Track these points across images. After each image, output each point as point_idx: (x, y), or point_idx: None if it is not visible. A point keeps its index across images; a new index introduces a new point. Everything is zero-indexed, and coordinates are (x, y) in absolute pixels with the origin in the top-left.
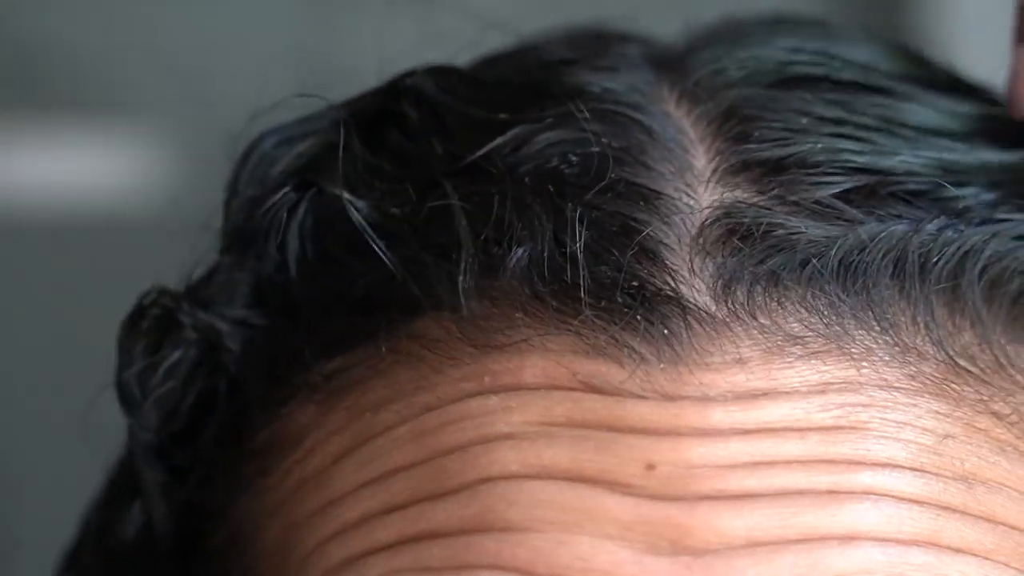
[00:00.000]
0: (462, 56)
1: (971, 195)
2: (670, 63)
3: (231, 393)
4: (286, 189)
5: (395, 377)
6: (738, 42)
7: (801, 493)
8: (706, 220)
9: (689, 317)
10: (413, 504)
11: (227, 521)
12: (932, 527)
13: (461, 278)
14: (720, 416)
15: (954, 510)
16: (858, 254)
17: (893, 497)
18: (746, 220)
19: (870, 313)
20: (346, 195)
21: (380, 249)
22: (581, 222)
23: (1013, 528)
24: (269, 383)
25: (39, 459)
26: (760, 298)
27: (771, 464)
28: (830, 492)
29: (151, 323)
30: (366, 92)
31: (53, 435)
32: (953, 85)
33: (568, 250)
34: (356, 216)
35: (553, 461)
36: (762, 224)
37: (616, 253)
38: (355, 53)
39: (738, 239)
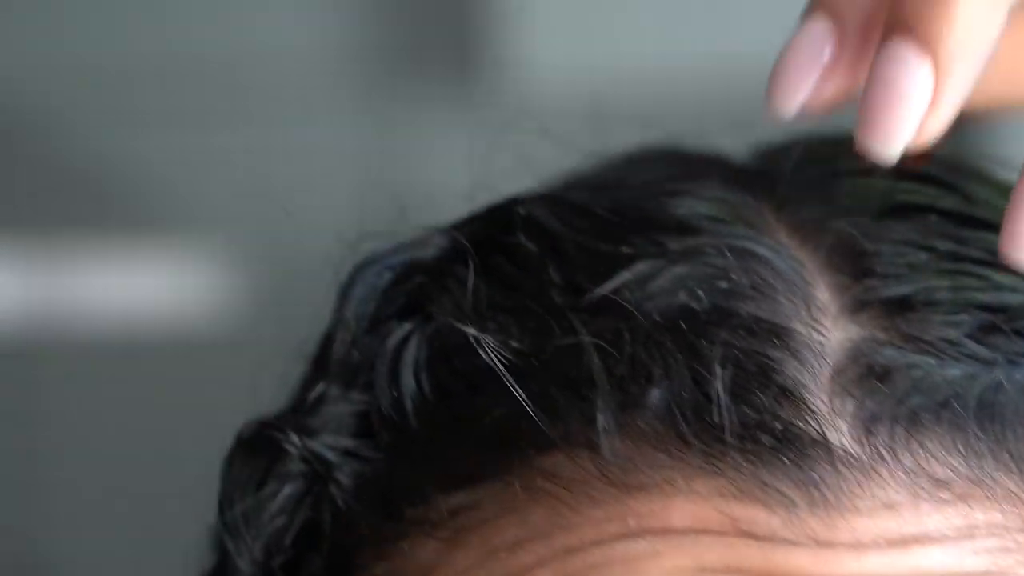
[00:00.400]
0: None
1: None
2: (761, 186)
3: (339, 526)
4: (400, 320)
5: (529, 515)
6: (826, 164)
7: None
8: (841, 359)
9: (836, 460)
10: None
11: None
12: None
13: (600, 416)
14: (875, 563)
15: None
16: (995, 394)
17: None
18: (880, 360)
19: (1007, 455)
20: (473, 331)
21: (511, 383)
22: (720, 361)
23: None
24: (384, 517)
25: None
26: (902, 439)
27: None
28: None
29: (255, 453)
30: (470, 218)
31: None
32: None
33: (710, 391)
34: (486, 351)
35: None
36: (898, 364)
37: (758, 393)
38: (419, 172)
39: (875, 379)
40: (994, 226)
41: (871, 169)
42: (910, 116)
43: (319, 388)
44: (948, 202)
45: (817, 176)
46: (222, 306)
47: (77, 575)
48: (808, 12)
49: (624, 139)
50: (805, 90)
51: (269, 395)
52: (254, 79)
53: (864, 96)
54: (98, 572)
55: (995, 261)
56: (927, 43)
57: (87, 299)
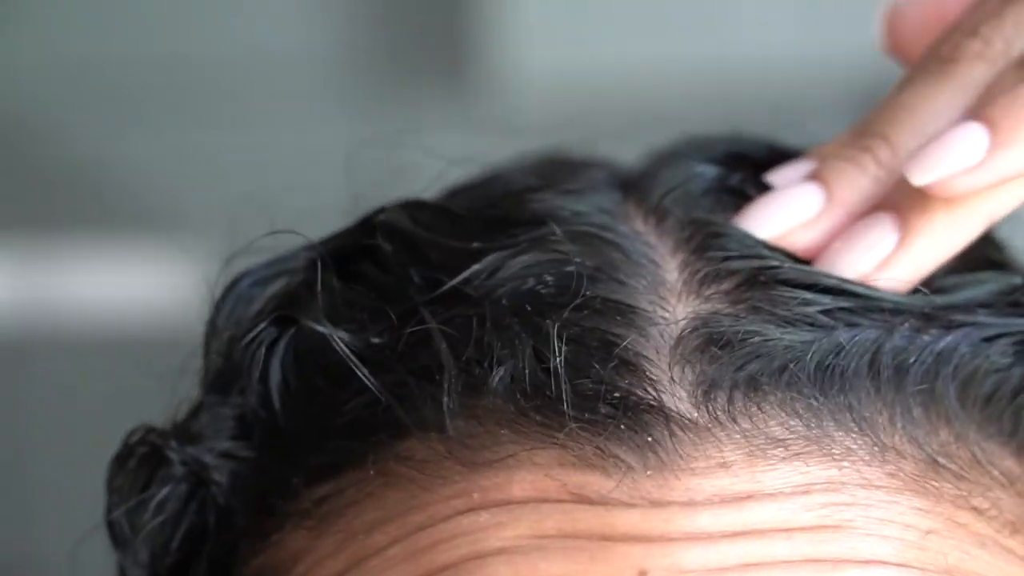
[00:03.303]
0: (429, 191)
1: (940, 302)
2: (634, 183)
3: (220, 525)
4: (265, 325)
5: (385, 499)
6: (697, 159)
7: None
8: (683, 331)
9: (672, 424)
10: None
11: None
12: None
13: (446, 399)
14: (708, 520)
15: None
16: (834, 357)
17: None
18: (722, 329)
19: (848, 415)
20: (327, 326)
21: (364, 375)
22: (560, 338)
23: None
24: (259, 512)
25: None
26: (740, 403)
27: (759, 566)
28: None
29: (139, 461)
30: (339, 230)
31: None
32: None
33: (549, 366)
34: (339, 345)
35: (547, 573)
36: (739, 332)
37: (597, 366)
38: (411, 172)
39: (716, 347)
40: None
41: (737, 159)
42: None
43: (198, 396)
44: None
45: (684, 168)
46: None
47: (64, 571)
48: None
49: (611, 139)
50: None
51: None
52: (245, 81)
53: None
54: (86, 567)
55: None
56: (905, 223)
57: (78, 296)
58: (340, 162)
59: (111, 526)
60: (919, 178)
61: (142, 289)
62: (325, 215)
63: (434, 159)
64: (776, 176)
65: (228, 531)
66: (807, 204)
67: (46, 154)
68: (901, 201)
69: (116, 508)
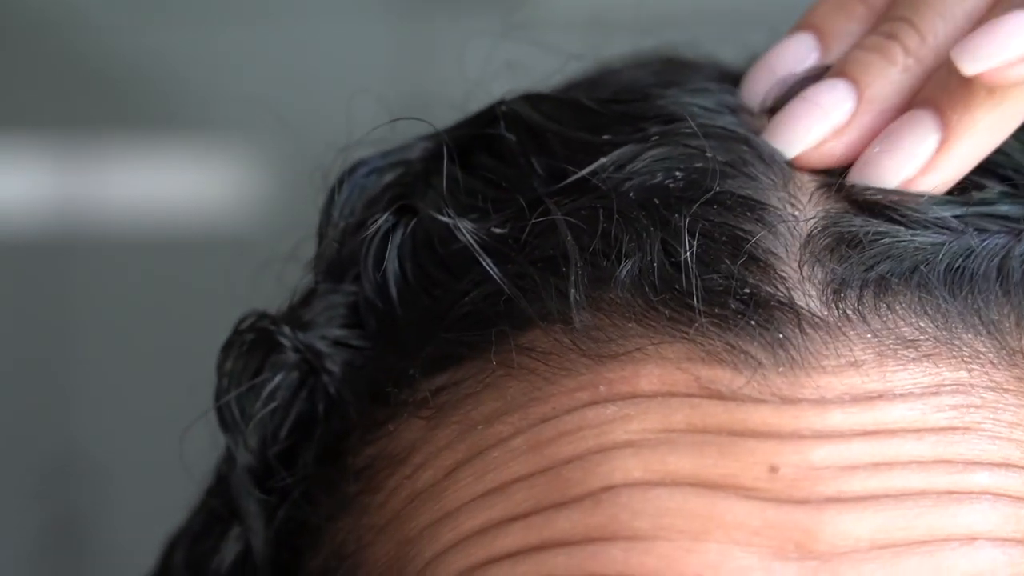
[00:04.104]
0: (543, 85)
1: None
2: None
3: (331, 414)
4: (384, 214)
5: (507, 390)
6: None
7: (923, 494)
8: (813, 229)
9: (802, 322)
10: (535, 513)
11: (330, 541)
12: None
13: (572, 290)
14: (839, 418)
15: None
16: (964, 260)
17: (1010, 497)
18: (853, 228)
19: (977, 317)
20: (450, 215)
21: (488, 264)
22: (690, 232)
23: None
24: (372, 402)
25: (133, 480)
26: (870, 302)
27: (891, 465)
28: (949, 493)
29: (251, 346)
30: (460, 121)
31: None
32: None
33: (679, 260)
34: (463, 234)
35: (676, 467)
36: (869, 232)
37: (727, 261)
38: (446, 80)
39: (846, 246)
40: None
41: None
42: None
43: (311, 283)
44: None
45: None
46: (246, 203)
47: (115, 467)
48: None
49: (626, 50)
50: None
51: (291, 291)
52: None
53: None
54: (135, 464)
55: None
56: (946, 123)
57: (118, 194)
58: (371, 59)
59: (220, 411)
60: (971, 66)
61: (182, 187)
62: (367, 123)
63: (470, 74)
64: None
65: (339, 420)
66: (838, 107)
67: (77, 53)
68: (937, 95)
69: (225, 393)
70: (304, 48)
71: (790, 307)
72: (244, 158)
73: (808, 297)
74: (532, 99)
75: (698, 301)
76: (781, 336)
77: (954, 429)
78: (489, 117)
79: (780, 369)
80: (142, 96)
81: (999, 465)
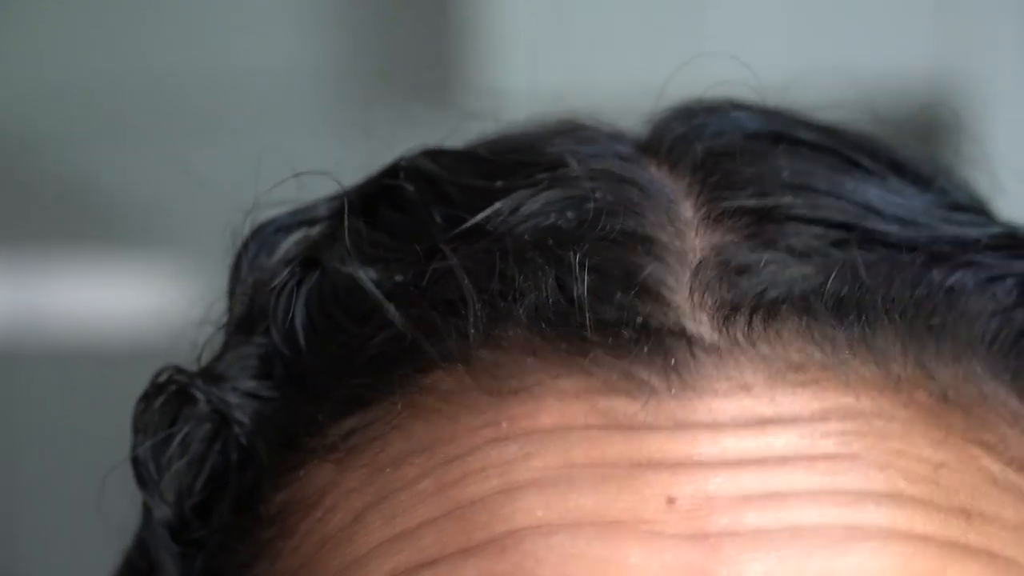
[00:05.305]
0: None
1: (948, 240)
2: (643, 138)
3: (244, 464)
4: (290, 268)
5: (413, 431)
6: (703, 115)
7: (815, 531)
8: (702, 259)
9: (694, 347)
10: (443, 559)
11: None
12: (938, 565)
13: (471, 330)
14: (732, 442)
15: (956, 544)
16: (851, 287)
17: (900, 535)
18: (739, 258)
19: (863, 344)
20: (354, 264)
21: (389, 310)
22: (582, 267)
23: (1011, 561)
24: (284, 449)
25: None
26: (759, 327)
27: (784, 497)
28: (841, 528)
29: (165, 400)
30: (365, 178)
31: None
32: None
33: (572, 294)
34: (366, 283)
35: (578, 505)
36: (757, 260)
37: (619, 293)
38: None
39: (735, 274)
40: (855, 160)
41: (734, 106)
42: None
43: (223, 338)
44: (812, 135)
45: (691, 121)
46: (199, 318)
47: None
48: None
49: None
50: None
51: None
52: (234, 99)
53: None
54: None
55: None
56: None
57: (68, 309)
58: (328, 180)
59: (136, 465)
60: None
61: (131, 303)
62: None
63: None
64: None
65: (253, 469)
66: None
67: (36, 168)
68: None
69: (140, 446)
70: (245, 162)
71: (682, 333)
72: (189, 273)
73: (699, 323)
74: (431, 153)
75: (592, 332)
76: (674, 361)
77: (842, 456)
78: (392, 172)
79: (673, 392)
80: (93, 213)
81: (887, 496)
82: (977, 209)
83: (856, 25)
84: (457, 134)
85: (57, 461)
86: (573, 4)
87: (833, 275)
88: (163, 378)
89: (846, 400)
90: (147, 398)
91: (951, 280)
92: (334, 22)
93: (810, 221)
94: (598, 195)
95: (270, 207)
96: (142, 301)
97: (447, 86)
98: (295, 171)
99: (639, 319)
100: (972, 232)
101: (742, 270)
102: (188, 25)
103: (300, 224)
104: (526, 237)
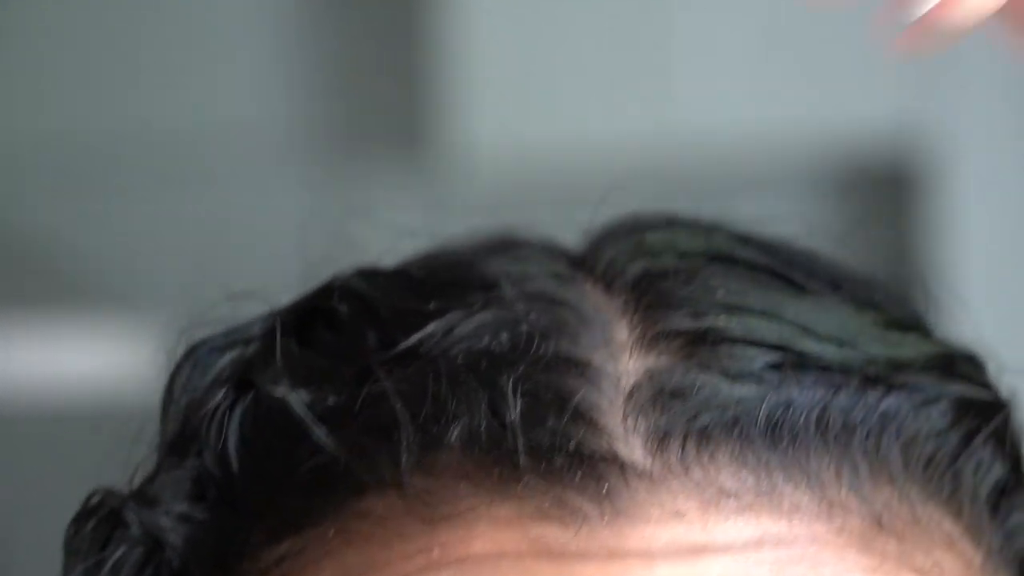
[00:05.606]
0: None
1: (882, 363)
2: (580, 255)
3: None
4: (222, 391)
5: (345, 557)
6: (640, 232)
7: None
8: (636, 383)
9: (627, 473)
10: None
11: None
12: None
13: (404, 455)
14: (665, 570)
15: None
16: (783, 412)
17: None
18: (674, 381)
19: (797, 469)
20: (284, 388)
21: (320, 434)
22: (515, 392)
23: None
24: (216, 572)
25: None
26: (693, 453)
27: None
28: None
29: (97, 523)
30: (295, 298)
31: None
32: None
33: (505, 420)
34: (296, 405)
35: None
36: (690, 384)
37: (551, 418)
38: (365, 247)
39: (668, 399)
40: (795, 280)
41: (670, 223)
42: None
43: (156, 461)
44: (749, 253)
45: (627, 239)
46: (152, 376)
47: None
48: None
49: (564, 214)
50: None
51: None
52: (200, 153)
53: None
54: None
55: (793, 307)
56: None
57: (28, 371)
58: (294, 234)
59: None
60: None
61: (94, 364)
62: (279, 287)
63: (385, 232)
64: None
65: None
66: None
67: None
68: None
69: (71, 569)
70: (225, 224)
71: (614, 459)
72: (159, 333)
73: (632, 449)
74: (365, 273)
75: (524, 458)
76: (606, 488)
77: None
78: (326, 292)
79: (606, 519)
80: (55, 271)
81: None
82: (913, 326)
83: (823, 80)
84: (425, 189)
85: (17, 521)
86: (540, 59)
87: (766, 399)
88: (95, 500)
89: (779, 527)
90: (79, 520)
91: (885, 403)
92: (302, 78)
93: (745, 343)
94: (532, 317)
95: (206, 326)
96: (105, 362)
97: (415, 141)
98: (260, 229)
99: (572, 444)
100: (907, 353)
101: (676, 394)
102: (153, 82)
103: (234, 344)
104: (459, 360)
